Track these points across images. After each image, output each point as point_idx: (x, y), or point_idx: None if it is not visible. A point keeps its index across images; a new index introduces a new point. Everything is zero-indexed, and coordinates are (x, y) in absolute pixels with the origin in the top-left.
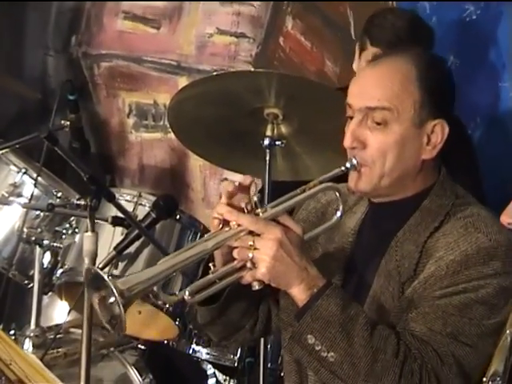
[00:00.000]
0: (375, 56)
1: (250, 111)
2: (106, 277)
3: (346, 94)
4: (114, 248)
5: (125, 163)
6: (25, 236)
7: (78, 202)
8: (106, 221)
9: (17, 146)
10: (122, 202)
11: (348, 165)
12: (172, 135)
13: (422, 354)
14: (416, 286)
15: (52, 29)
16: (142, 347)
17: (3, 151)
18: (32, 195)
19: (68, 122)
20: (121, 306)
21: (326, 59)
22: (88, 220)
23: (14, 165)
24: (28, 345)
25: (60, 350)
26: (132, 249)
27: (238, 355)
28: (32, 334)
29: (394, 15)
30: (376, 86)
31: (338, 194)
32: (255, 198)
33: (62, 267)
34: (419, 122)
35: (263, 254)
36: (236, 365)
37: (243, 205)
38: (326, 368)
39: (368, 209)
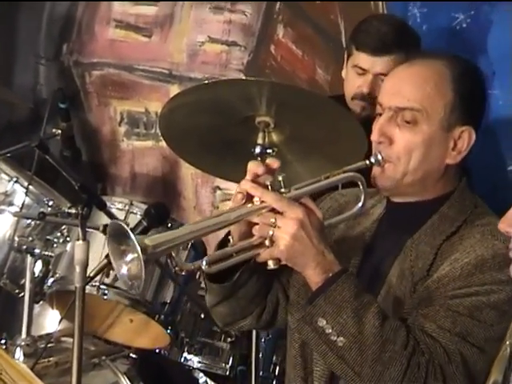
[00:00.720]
0: (409, 57)
1: (241, 119)
2: (129, 231)
3: (337, 102)
4: (106, 256)
5: (116, 171)
6: (16, 245)
7: (70, 211)
8: (98, 229)
9: (8, 154)
10: (114, 211)
11: (372, 159)
12: (163, 143)
13: (430, 350)
14: (429, 284)
15: (43, 37)
16: (134, 356)
17: None
18: (23, 204)
19: (59, 131)
20: (142, 262)
21: (317, 67)
22: (79, 228)
23: (5, 173)
24: (19, 354)
25: (51, 359)
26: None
27: (230, 363)
28: (23, 343)
29: (380, 21)
30: (409, 85)
31: (360, 184)
32: (280, 178)
33: (53, 276)
34: (448, 125)
35: (284, 233)
36: (228, 373)
37: (268, 183)
38: (334, 352)
39: (386, 208)
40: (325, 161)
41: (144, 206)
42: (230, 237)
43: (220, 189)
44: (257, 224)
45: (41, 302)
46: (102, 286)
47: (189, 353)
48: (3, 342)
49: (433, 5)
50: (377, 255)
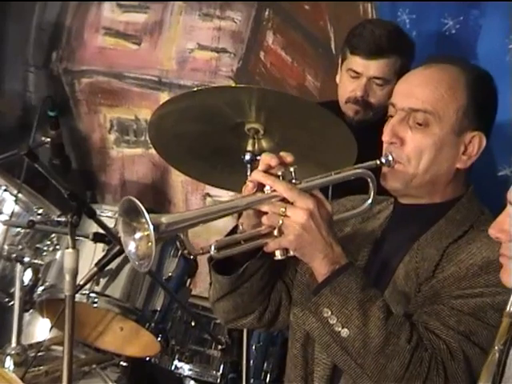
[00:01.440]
0: (426, 60)
1: (231, 126)
2: (143, 208)
3: (327, 108)
4: (96, 264)
5: (106, 179)
6: (5, 253)
7: (59, 219)
8: (87, 237)
9: None
10: (104, 218)
11: (383, 160)
12: (153, 150)
13: (434, 346)
14: (434, 284)
15: (32, 45)
16: (124, 364)
17: None
18: (12, 212)
19: (48, 139)
20: (153, 240)
21: (306, 74)
22: (69, 237)
23: None
24: (9, 363)
25: (41, 367)
26: (113, 265)
27: (221, 371)
28: (13, 352)
29: (374, 25)
30: (423, 87)
31: (370, 181)
32: (291, 169)
33: (43, 284)
34: (459, 129)
35: (293, 222)
36: (219, 381)
37: (279, 173)
38: (338, 343)
39: (393, 209)
40: (315, 167)
41: None
42: (239, 224)
43: (210, 196)
44: (266, 213)
45: (31, 311)
46: (91, 294)
47: (179, 361)
48: None
49: (422, 10)
50: (383, 256)
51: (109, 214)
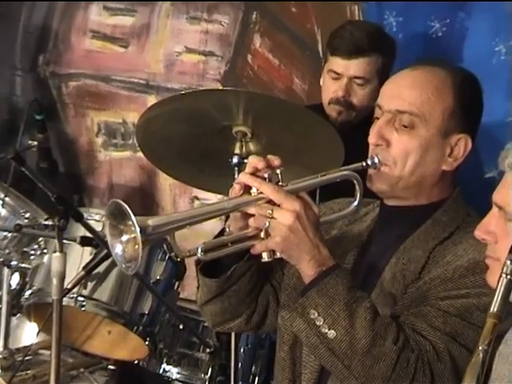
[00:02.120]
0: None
1: (218, 129)
2: (129, 211)
3: (315, 111)
4: (83, 268)
5: (94, 182)
6: None
7: (46, 223)
8: (75, 241)
9: None
10: (91, 222)
11: (369, 161)
12: (141, 154)
13: (420, 347)
14: (420, 285)
15: (19, 48)
16: (112, 367)
17: None
18: None
19: (35, 142)
20: (140, 242)
21: (294, 76)
22: (56, 240)
23: None
24: None
25: (29, 372)
26: (101, 268)
27: (209, 374)
28: (0, 356)
29: (354, 26)
30: (409, 88)
31: (356, 183)
32: (278, 171)
33: (30, 288)
34: (445, 132)
35: (280, 224)
36: None
37: (266, 175)
38: (324, 344)
39: (380, 211)
40: (302, 170)
41: None
42: (226, 226)
43: (198, 199)
44: (253, 216)
45: (18, 315)
46: (79, 298)
47: (168, 364)
48: None
49: (408, 13)
50: (370, 258)
51: (96, 217)
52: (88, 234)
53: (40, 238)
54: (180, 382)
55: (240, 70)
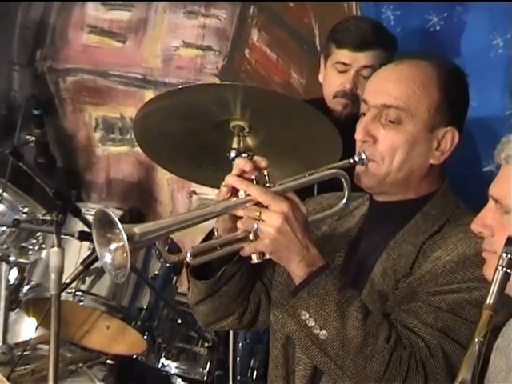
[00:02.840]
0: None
1: (216, 124)
2: (116, 219)
3: (312, 105)
4: (81, 263)
5: (92, 177)
6: None
7: (44, 218)
8: (73, 236)
9: None
10: (89, 217)
11: (356, 158)
12: (139, 148)
13: (412, 344)
14: (411, 281)
15: (16, 43)
16: (111, 362)
17: None
18: None
19: (33, 137)
20: (128, 250)
21: (291, 71)
22: (54, 235)
23: None
24: None
25: (27, 366)
26: (99, 263)
27: (208, 369)
28: None
29: (357, 20)
30: (395, 83)
31: (344, 181)
32: (265, 172)
33: (28, 283)
34: (432, 126)
35: (268, 226)
36: (205, 378)
37: (253, 177)
38: (317, 345)
39: (369, 207)
40: (300, 165)
41: (120, 212)
42: (214, 229)
43: (196, 194)
44: (241, 218)
45: (16, 310)
46: (78, 293)
47: (166, 358)
48: None
49: (406, 7)
50: (360, 254)
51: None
52: (86, 229)
53: (38, 233)
54: (178, 376)
55: (237, 64)
